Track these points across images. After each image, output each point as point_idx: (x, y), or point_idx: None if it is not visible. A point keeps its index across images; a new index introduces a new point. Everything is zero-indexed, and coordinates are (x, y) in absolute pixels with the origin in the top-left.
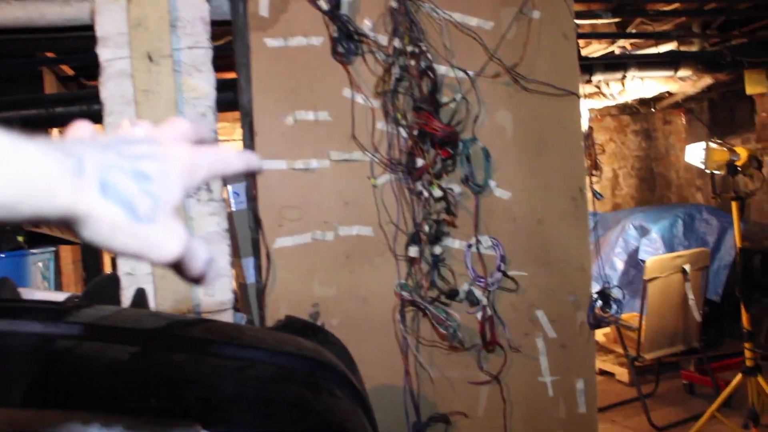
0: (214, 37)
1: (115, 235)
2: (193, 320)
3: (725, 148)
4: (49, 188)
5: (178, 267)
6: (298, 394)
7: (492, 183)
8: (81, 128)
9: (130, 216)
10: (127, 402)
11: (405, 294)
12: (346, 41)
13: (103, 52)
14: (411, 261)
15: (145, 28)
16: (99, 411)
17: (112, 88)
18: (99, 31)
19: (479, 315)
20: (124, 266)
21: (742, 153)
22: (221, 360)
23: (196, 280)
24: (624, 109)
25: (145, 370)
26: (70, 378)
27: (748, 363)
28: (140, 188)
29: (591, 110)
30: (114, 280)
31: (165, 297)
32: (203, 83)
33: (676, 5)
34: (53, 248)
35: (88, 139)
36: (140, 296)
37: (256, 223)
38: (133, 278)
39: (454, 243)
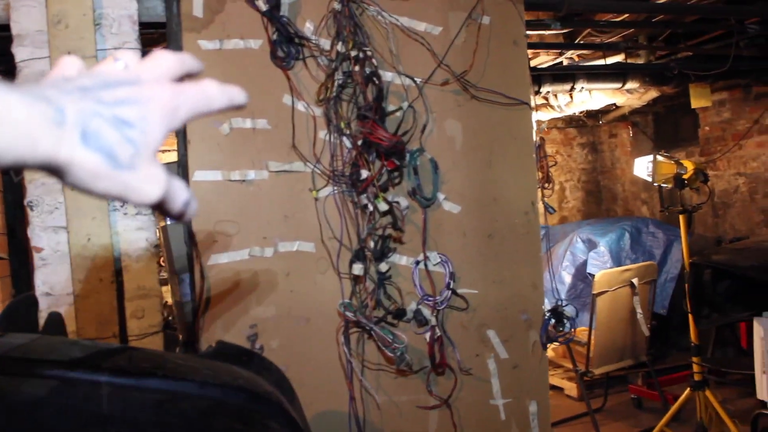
0: (152, 40)
1: (96, 182)
2: (115, 349)
3: (672, 162)
4: (30, 137)
5: (159, 207)
6: (230, 429)
7: (441, 196)
8: (69, 64)
9: (111, 164)
10: None
11: (349, 314)
12: (286, 44)
13: (20, 52)
14: (355, 279)
15: (66, 25)
16: None
17: None
18: (15, 28)
19: (428, 336)
20: (42, 286)
21: (689, 166)
22: (142, 393)
23: (177, 218)
24: (570, 121)
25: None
26: None
27: (696, 377)
28: (121, 135)
29: (540, 122)
30: (31, 302)
31: (87, 320)
32: None
33: (624, 16)
34: None
35: (71, 81)
36: (54, 321)
37: (190, 238)
38: (52, 299)
39: (401, 259)
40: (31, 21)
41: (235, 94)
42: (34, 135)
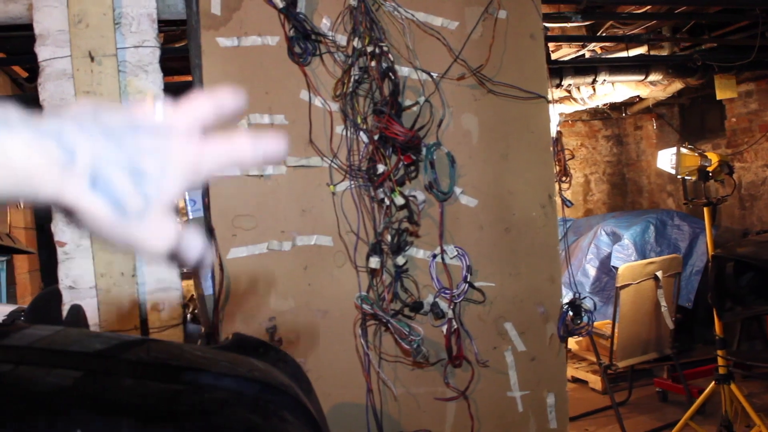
0: (173, 37)
1: (100, 228)
2: (134, 340)
3: (696, 154)
4: (35, 177)
5: (170, 258)
6: (244, 420)
7: (457, 190)
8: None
9: (118, 213)
10: None
11: (366, 307)
12: (303, 41)
13: (42, 51)
14: (372, 272)
15: (86, 25)
16: None
17: (51, 89)
18: (37, 28)
19: (445, 328)
20: (65, 280)
21: (714, 158)
22: (160, 384)
23: (189, 268)
24: (595, 114)
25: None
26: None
27: (721, 371)
28: (134, 186)
29: (561, 115)
30: (56, 295)
31: (109, 312)
32: (150, 84)
33: (647, 8)
34: (5, 257)
35: (95, 121)
36: (75, 313)
37: (209, 232)
38: (75, 292)
39: (418, 253)
40: (53, 21)
41: (271, 149)
42: (38, 175)
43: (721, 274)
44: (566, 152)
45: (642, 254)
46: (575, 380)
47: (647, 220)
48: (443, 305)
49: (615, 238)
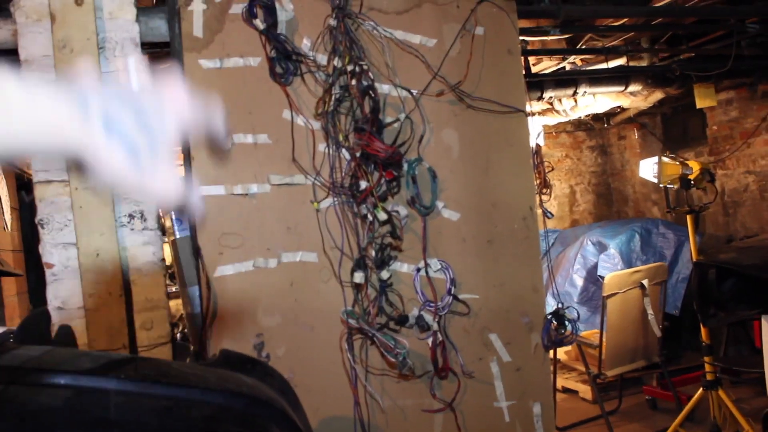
0: (158, 60)
1: (116, 174)
2: (122, 359)
3: (677, 162)
4: (56, 126)
5: (174, 206)
6: None
7: (439, 204)
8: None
9: (130, 159)
10: None
11: (352, 321)
12: (284, 61)
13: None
14: (357, 287)
15: (71, 50)
16: None
17: None
18: (22, 54)
19: (430, 341)
20: (54, 301)
21: (695, 166)
22: (149, 400)
23: (190, 216)
24: (579, 125)
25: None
26: None
27: (709, 377)
28: (140, 125)
29: (546, 127)
30: (45, 316)
31: (98, 332)
32: None
33: (624, 20)
34: None
35: (95, 79)
36: (65, 333)
37: (195, 251)
38: (64, 312)
39: (402, 267)
40: (38, 46)
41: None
42: (59, 124)
43: (704, 280)
44: (546, 164)
45: (628, 263)
46: (565, 390)
47: (632, 229)
48: (428, 318)
49: (601, 247)
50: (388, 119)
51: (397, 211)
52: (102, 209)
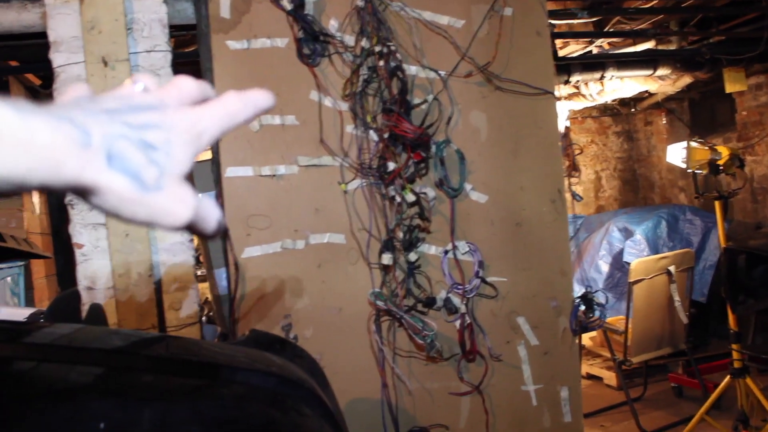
0: (184, 42)
1: (123, 205)
2: (153, 337)
3: (706, 148)
4: (55, 160)
5: (191, 228)
6: (263, 413)
7: (467, 186)
8: (78, 91)
9: (138, 186)
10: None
11: (380, 303)
12: (312, 42)
13: (56, 58)
14: (385, 269)
15: (99, 31)
16: None
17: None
18: (51, 35)
19: (458, 323)
20: (84, 281)
21: (724, 152)
22: (180, 379)
23: (209, 237)
24: (605, 110)
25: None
26: (25, 403)
27: (736, 365)
28: (146, 157)
29: (572, 111)
30: (75, 296)
31: (127, 312)
32: None
33: (653, 2)
34: (22, 263)
35: (93, 105)
36: (95, 312)
37: (223, 232)
38: (94, 293)
39: (430, 249)
40: (67, 28)
41: (259, 100)
42: (59, 158)
43: (734, 267)
44: (575, 147)
45: (654, 249)
46: (590, 377)
47: (659, 215)
48: (456, 300)
49: (627, 233)
50: (416, 100)
51: (425, 193)
52: None
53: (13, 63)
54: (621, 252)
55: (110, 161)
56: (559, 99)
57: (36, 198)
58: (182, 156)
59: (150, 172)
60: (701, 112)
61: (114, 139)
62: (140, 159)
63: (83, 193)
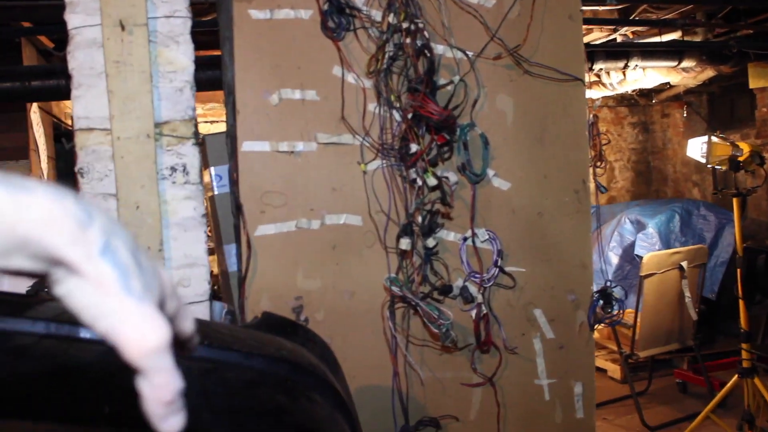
0: (202, 11)
1: (97, 298)
2: None
3: (728, 143)
4: (45, 228)
5: (145, 361)
6: (273, 400)
7: (490, 172)
8: None
9: (123, 284)
10: (77, 409)
11: (395, 289)
12: (337, 15)
13: (72, 19)
14: (402, 254)
15: None
16: (46, 420)
17: (80, 58)
18: None
19: (474, 313)
20: None
21: (745, 148)
22: (186, 361)
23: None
24: (622, 100)
25: (105, 372)
26: (24, 381)
27: (745, 364)
28: (136, 265)
29: (589, 100)
30: None
31: None
32: (181, 56)
33: None
34: None
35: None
36: None
37: (237, 208)
38: None
39: (449, 235)
40: None
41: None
42: (49, 227)
43: (753, 266)
44: (602, 137)
45: (666, 244)
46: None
47: (672, 209)
48: (473, 289)
49: (639, 226)
50: (442, 81)
51: (447, 177)
52: (144, 160)
53: (26, 24)
54: (632, 244)
55: (104, 250)
56: (589, 87)
57: (44, 163)
58: (162, 289)
59: (137, 278)
60: (720, 106)
61: (112, 234)
62: (131, 262)
63: (60, 272)
